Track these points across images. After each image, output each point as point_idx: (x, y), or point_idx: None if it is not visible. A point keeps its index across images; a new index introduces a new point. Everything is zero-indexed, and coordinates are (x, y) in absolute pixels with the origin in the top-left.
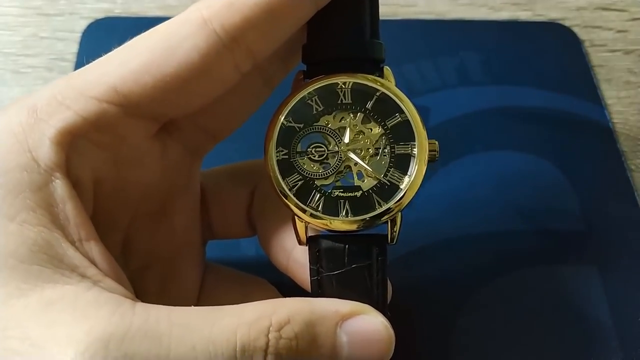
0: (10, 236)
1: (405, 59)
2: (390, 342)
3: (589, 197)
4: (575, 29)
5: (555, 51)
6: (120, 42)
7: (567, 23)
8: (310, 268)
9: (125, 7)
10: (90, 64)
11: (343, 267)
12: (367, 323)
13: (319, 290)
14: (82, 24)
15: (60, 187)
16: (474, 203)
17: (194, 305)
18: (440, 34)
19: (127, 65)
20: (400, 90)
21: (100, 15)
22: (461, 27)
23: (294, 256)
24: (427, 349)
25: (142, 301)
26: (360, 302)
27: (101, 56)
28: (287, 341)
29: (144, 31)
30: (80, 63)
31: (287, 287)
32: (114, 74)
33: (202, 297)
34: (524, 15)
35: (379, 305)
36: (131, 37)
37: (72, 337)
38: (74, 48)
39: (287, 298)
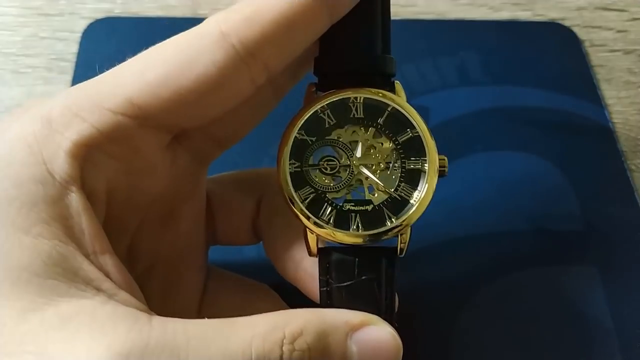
0: (25, 250)
1: (405, 59)
2: (398, 351)
3: (589, 197)
4: (575, 29)
5: (555, 51)
6: (120, 42)
7: (567, 23)
8: (319, 279)
9: (125, 7)
10: (105, 74)
11: (353, 279)
12: (376, 333)
13: (328, 300)
14: (82, 24)
15: (75, 200)
16: (473, 203)
17: (196, 310)
18: (440, 34)
19: (144, 77)
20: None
21: (100, 15)
22: (461, 27)
23: (303, 267)
24: (429, 350)
25: (146, 305)
26: (369, 312)
27: (102, 57)
28: (300, 353)
29: (144, 32)
30: (80, 63)
31: (288, 292)
32: (130, 85)
33: (205, 301)
34: (523, 15)
35: (387, 315)
36: (131, 38)
37: (92, 353)
38: (74, 48)
39: (299, 309)
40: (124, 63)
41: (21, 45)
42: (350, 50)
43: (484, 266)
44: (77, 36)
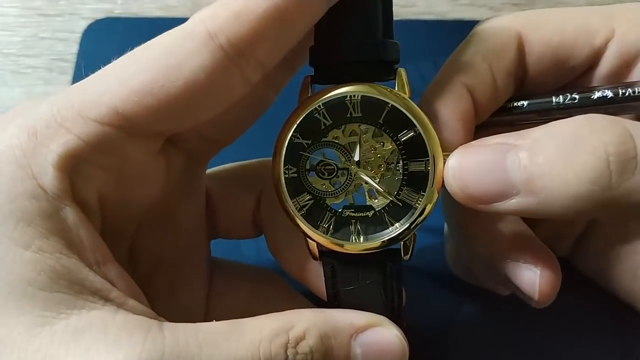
0: (26, 264)
1: (405, 59)
2: (403, 354)
3: None
4: None
5: None
6: (120, 42)
7: None
8: (325, 282)
9: (125, 8)
10: (89, 78)
11: (358, 283)
12: (382, 335)
13: (335, 302)
14: (82, 25)
15: (70, 213)
16: None
17: (204, 305)
18: (440, 34)
19: (128, 84)
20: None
21: (100, 15)
22: (461, 27)
23: (309, 267)
24: (430, 349)
25: (152, 306)
26: (377, 313)
27: (102, 57)
28: (303, 356)
29: (144, 32)
30: (80, 63)
31: (294, 283)
32: (115, 93)
33: (212, 296)
34: None
35: (395, 315)
36: (131, 38)
37: None
38: (74, 48)
39: (305, 309)
40: (108, 66)
41: (21, 45)
42: (347, 37)
43: None
44: (77, 36)
